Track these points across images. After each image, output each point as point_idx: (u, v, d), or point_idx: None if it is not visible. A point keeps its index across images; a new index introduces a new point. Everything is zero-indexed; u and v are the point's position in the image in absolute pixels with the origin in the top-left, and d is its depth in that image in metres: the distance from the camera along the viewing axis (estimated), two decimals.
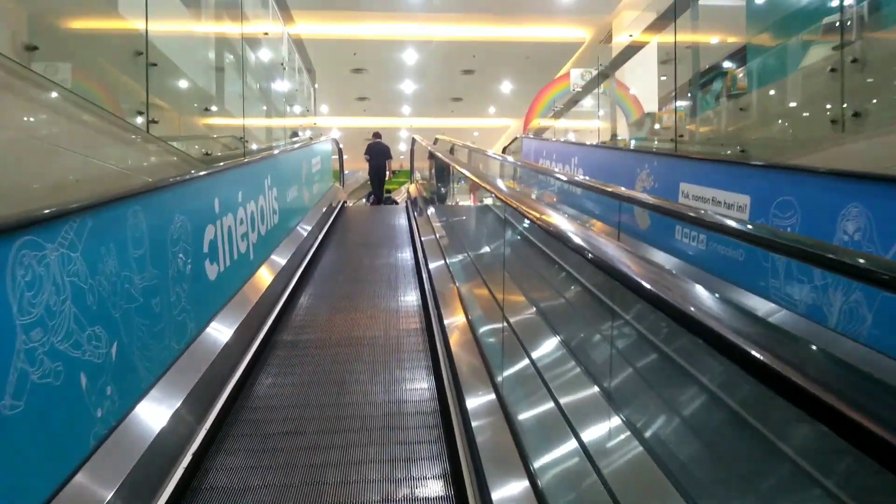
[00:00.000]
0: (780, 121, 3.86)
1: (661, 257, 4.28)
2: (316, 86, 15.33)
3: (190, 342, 3.03)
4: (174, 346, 2.83)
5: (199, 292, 3.21)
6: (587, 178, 6.66)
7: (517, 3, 12.27)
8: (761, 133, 4.10)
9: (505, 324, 3.10)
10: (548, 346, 3.28)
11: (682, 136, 5.13)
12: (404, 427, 3.07)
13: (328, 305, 5.12)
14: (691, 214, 2.32)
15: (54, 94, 2.63)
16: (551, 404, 2.52)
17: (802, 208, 3.40)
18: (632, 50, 8.27)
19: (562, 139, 10.16)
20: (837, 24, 3.27)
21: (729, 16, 6.39)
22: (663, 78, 12.04)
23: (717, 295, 1.16)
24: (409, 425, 3.09)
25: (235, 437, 2.93)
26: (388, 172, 12.62)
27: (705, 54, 5.69)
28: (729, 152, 4.38)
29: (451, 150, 10.34)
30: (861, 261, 1.62)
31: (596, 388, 2.46)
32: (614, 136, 8.44)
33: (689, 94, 5.65)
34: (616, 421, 2.22)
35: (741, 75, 5.42)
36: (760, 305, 3.36)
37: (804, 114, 3.73)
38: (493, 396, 2.83)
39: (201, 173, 3.31)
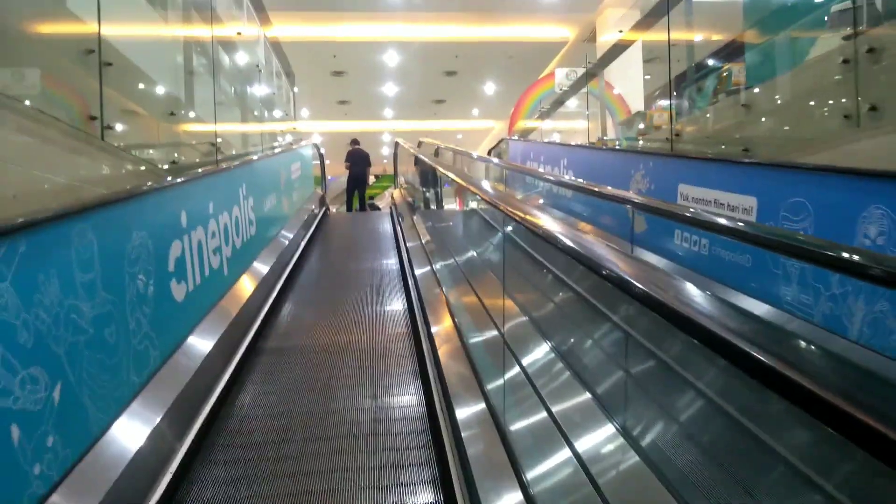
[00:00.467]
0: (786, 117, 3.64)
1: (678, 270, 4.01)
2: (296, 89, 15.00)
3: (153, 373, 2.73)
4: (133, 379, 2.53)
5: (163, 316, 2.91)
6: (578, 180, 6.43)
7: (499, 2, 12.05)
8: (766, 130, 3.88)
9: (501, 334, 2.84)
10: (540, 354, 3.07)
11: (677, 134, 4.90)
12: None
13: (310, 321, 4.82)
14: (743, 229, 2.04)
15: None
16: (544, 413, 2.47)
17: (817, 210, 3.17)
18: (619, 48, 8.06)
19: (549, 140, 9.94)
20: (850, 10, 3.05)
21: (723, 7, 6.18)
22: (647, 77, 11.89)
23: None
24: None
25: (204, 485, 2.63)
26: (368, 178, 12.44)
27: (699, 49, 5.47)
28: (730, 151, 4.15)
29: (436, 153, 10.08)
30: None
31: (589, 396, 2.41)
32: (604, 136, 8.22)
33: (684, 91, 5.43)
34: (610, 429, 2.16)
35: (737, 70, 5.20)
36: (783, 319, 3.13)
37: (813, 109, 3.51)
38: (483, 406, 2.73)
39: (164, 184, 3.01)
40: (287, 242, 6.43)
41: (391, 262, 6.95)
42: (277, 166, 7.05)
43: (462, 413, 2.73)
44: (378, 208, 17.20)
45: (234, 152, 5.62)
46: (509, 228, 2.79)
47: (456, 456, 2.50)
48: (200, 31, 4.99)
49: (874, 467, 0.65)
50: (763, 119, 3.92)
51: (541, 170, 8.24)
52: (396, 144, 13.29)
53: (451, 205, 10.40)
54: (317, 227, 8.71)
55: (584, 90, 8.96)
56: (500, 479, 2.18)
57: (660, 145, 5.28)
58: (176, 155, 3.83)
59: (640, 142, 7.10)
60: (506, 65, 15.63)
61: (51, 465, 1.86)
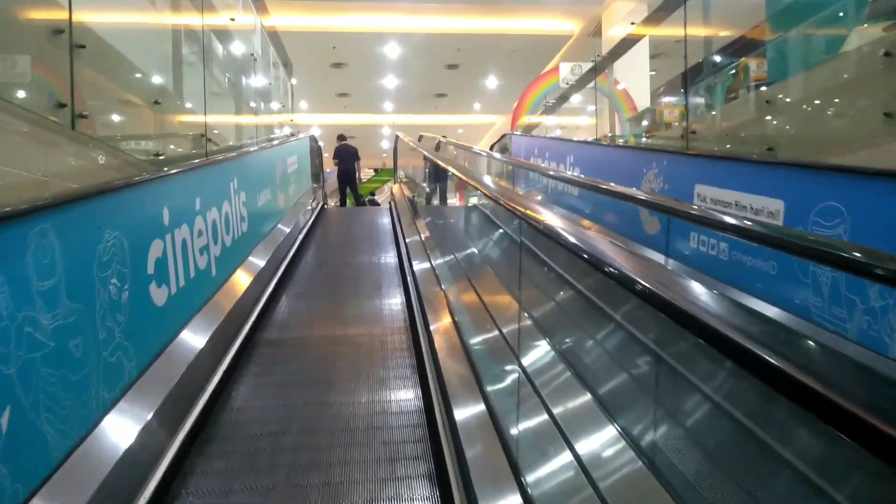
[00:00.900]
0: (817, 115, 3.39)
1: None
2: (294, 81, 14.71)
3: (128, 387, 2.48)
4: (104, 395, 2.28)
5: (141, 323, 2.66)
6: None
7: None
8: (793, 129, 3.63)
9: (519, 366, 2.60)
10: (548, 360, 2.87)
11: (693, 132, 4.64)
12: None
13: (303, 329, 4.56)
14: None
15: None
16: (545, 415, 2.42)
17: (853, 215, 2.92)
18: (628, 42, 7.79)
19: (553, 136, 9.67)
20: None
21: None
22: (652, 73, 11.62)
23: None
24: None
25: None
26: (357, 174, 12.38)
27: (714, 43, 5.21)
28: (753, 151, 3.90)
29: (437, 147, 9.82)
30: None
31: (592, 398, 2.34)
32: (612, 133, 7.96)
33: (698, 87, 5.17)
34: (613, 431, 2.11)
35: (756, 65, 4.95)
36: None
37: (849, 106, 3.25)
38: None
39: (143, 178, 2.75)
40: (281, 239, 6.18)
41: (390, 258, 6.71)
42: (272, 159, 6.78)
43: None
44: (377, 204, 16.96)
45: (226, 144, 5.35)
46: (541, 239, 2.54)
47: (455, 461, 2.44)
48: (190, 16, 4.71)
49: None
50: (790, 116, 3.67)
51: (545, 166, 7.98)
52: (397, 138, 13.03)
53: (454, 200, 10.15)
54: (313, 222, 8.46)
55: (591, 85, 8.69)
56: (500, 484, 2.15)
57: (674, 143, 5.03)
58: (161, 147, 3.57)
59: (650, 139, 6.84)
60: (509, 59, 15.35)
61: None
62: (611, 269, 1.24)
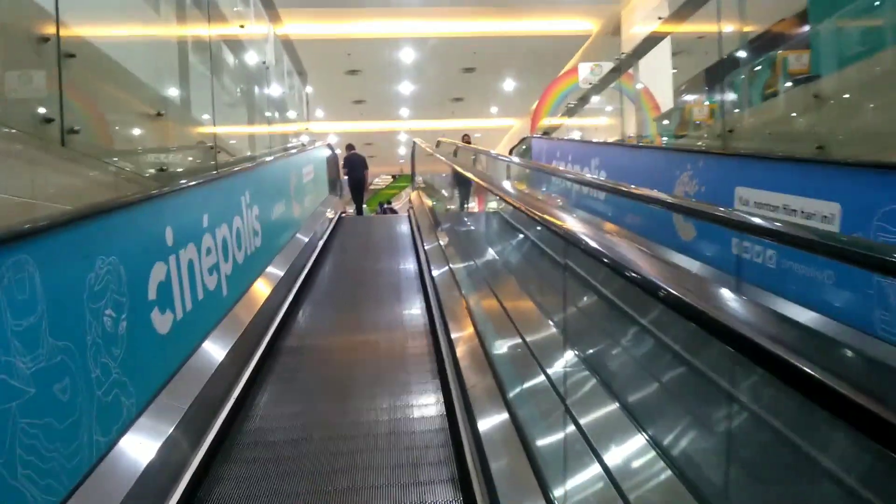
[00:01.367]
0: (876, 110, 3.09)
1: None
2: (309, 89, 14.58)
3: (126, 427, 2.26)
4: (98, 439, 2.05)
5: (142, 355, 2.44)
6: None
7: None
8: (847, 125, 3.33)
9: (568, 413, 2.35)
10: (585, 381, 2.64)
11: (731, 130, 4.34)
12: None
13: (321, 357, 4.29)
14: None
15: None
16: (572, 427, 2.36)
17: None
18: (652, 40, 7.48)
19: (576, 138, 9.38)
20: None
21: None
22: (674, 71, 11.27)
23: None
24: None
25: None
26: (365, 182, 12.64)
27: (750, 34, 4.90)
28: (800, 150, 3.60)
29: (455, 153, 9.58)
30: None
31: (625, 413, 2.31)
32: (639, 133, 7.65)
33: (730, 83, 4.87)
34: (642, 442, 2.06)
35: (794, 58, 4.64)
36: None
37: None
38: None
39: (140, 197, 2.54)
40: (298, 252, 5.97)
41: (410, 268, 6.49)
42: (287, 170, 6.59)
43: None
44: (395, 212, 16.78)
45: (238, 156, 5.16)
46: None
47: (479, 472, 2.39)
48: (197, 23, 4.53)
49: None
50: (842, 111, 3.37)
51: (577, 171, 7.70)
52: (414, 144, 12.82)
53: (473, 206, 9.89)
54: (332, 232, 8.26)
55: (614, 85, 8.39)
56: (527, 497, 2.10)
57: (709, 142, 4.73)
58: (165, 161, 3.36)
59: (681, 139, 6.53)
60: (525, 60, 15.06)
61: None
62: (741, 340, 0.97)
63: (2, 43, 2.18)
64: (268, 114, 7.41)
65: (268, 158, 6.00)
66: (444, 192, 12.64)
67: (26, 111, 2.20)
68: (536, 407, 2.86)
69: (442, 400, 3.40)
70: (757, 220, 2.20)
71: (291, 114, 9.96)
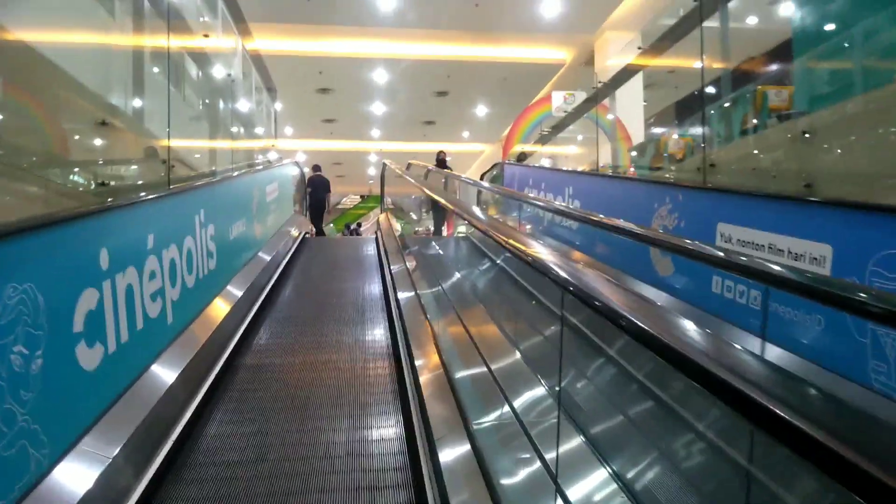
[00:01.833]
0: (872, 148, 2.96)
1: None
2: (278, 106, 14.29)
3: (34, 484, 1.93)
4: None
5: (60, 397, 2.12)
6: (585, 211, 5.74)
7: (495, 22, 11.45)
8: (839, 163, 3.20)
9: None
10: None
11: (713, 165, 4.21)
12: None
13: (273, 392, 3.92)
14: None
15: None
16: (538, 464, 2.34)
17: None
18: (627, 72, 7.42)
19: (550, 166, 9.26)
20: None
21: (765, 16, 5.56)
22: (645, 103, 11.32)
23: None
24: None
25: None
26: (327, 205, 12.90)
27: (734, 67, 4.82)
28: (787, 187, 3.46)
29: (426, 176, 9.37)
30: None
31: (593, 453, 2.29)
32: (614, 164, 7.55)
33: (713, 116, 4.76)
34: (604, 475, 2.09)
35: (774, 93, 4.56)
36: None
37: None
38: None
39: (63, 215, 2.23)
40: (257, 274, 5.64)
41: (375, 290, 6.20)
42: (250, 187, 6.28)
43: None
44: (360, 234, 16.54)
45: (195, 171, 4.84)
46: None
47: None
48: (155, 31, 4.24)
49: None
50: (834, 149, 3.24)
51: (539, 197, 7.54)
52: (384, 166, 12.60)
53: (442, 230, 9.67)
54: (294, 253, 7.93)
55: (588, 115, 8.30)
56: None
57: (689, 176, 4.59)
58: (108, 174, 3.05)
59: (658, 171, 6.42)
60: (499, 86, 15.04)
61: None
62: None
63: None
64: (232, 129, 7.10)
65: (228, 174, 5.70)
66: (412, 214, 12.44)
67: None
68: (498, 436, 2.73)
69: (402, 423, 3.15)
70: (742, 259, 2.01)
71: (258, 130, 9.66)
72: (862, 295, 1.26)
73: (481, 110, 17.67)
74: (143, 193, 3.20)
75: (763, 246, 3.38)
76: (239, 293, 4.87)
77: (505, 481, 2.37)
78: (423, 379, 3.44)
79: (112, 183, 3.08)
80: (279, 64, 12.75)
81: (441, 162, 11.87)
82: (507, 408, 2.95)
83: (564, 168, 8.84)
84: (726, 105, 4.90)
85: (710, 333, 1.04)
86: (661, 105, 11.22)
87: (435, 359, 3.74)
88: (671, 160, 5.83)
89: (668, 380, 2.00)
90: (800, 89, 3.80)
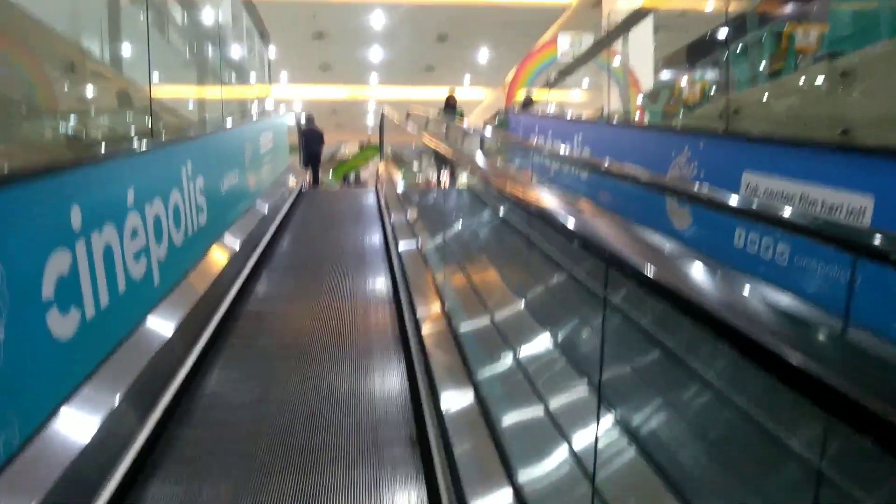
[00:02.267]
0: None
1: None
2: (272, 52, 13.78)
3: (2, 469, 1.75)
4: None
5: (26, 371, 1.92)
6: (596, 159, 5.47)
7: None
8: (881, 108, 2.92)
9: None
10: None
11: (736, 110, 3.92)
12: None
13: (269, 367, 3.67)
14: None
15: None
16: (542, 410, 2.32)
17: None
18: (639, 14, 6.99)
19: (558, 113, 8.90)
20: None
21: None
22: (655, 48, 10.84)
23: None
24: None
25: None
26: (321, 156, 12.82)
27: (757, 5, 4.46)
28: (821, 133, 3.19)
29: (426, 125, 9.03)
30: None
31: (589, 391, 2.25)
32: (627, 110, 7.21)
33: (736, 58, 4.44)
34: (610, 422, 2.03)
35: (802, 33, 4.23)
36: None
37: None
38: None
39: (27, 171, 1.99)
40: (253, 226, 5.40)
41: (375, 240, 6.01)
42: (241, 138, 5.98)
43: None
44: (361, 183, 16.26)
45: (182, 121, 4.55)
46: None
47: (443, 458, 2.29)
48: None
49: None
50: (877, 93, 2.95)
51: (543, 144, 7.23)
52: (382, 114, 12.21)
53: (444, 180, 9.37)
54: (292, 204, 7.67)
55: (597, 59, 7.90)
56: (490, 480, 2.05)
57: (710, 123, 4.30)
58: (79, 126, 2.78)
59: (676, 118, 6.10)
60: (501, 30, 14.47)
61: None
62: None
63: None
64: (222, 76, 6.75)
65: (218, 124, 5.40)
66: (413, 163, 12.10)
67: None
68: (501, 385, 2.71)
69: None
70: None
71: (250, 77, 9.27)
72: None
73: (483, 55, 17.11)
74: (120, 145, 2.94)
75: (794, 196, 3.13)
76: (236, 244, 4.67)
77: (507, 426, 2.32)
78: (424, 328, 3.37)
79: (85, 134, 2.81)
80: (272, 8, 12.22)
81: (450, 106, 11.38)
82: (511, 357, 2.87)
83: (572, 114, 8.48)
84: (749, 47, 4.56)
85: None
86: (673, 48, 10.76)
87: (437, 308, 3.66)
88: (687, 106, 5.51)
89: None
90: (836, 27, 3.48)
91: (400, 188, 7.81)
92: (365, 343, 3.79)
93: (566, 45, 10.74)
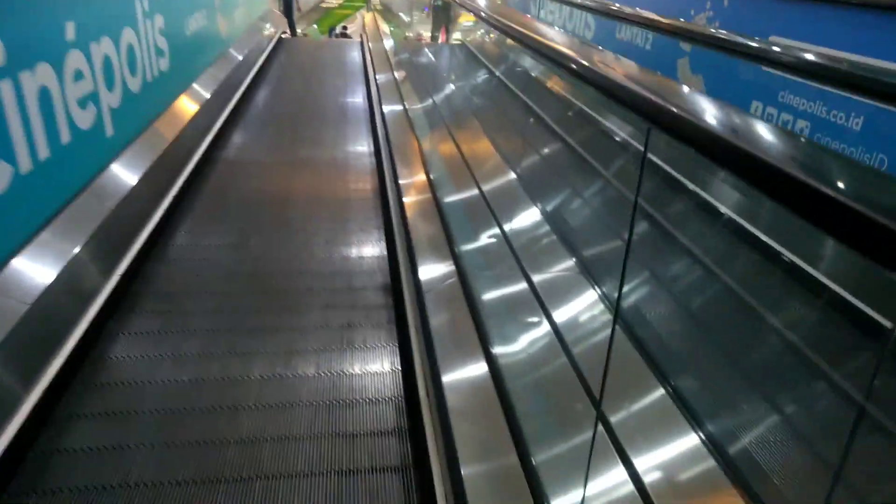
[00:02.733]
0: None
1: None
2: None
3: None
4: None
5: None
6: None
7: None
8: None
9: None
10: None
11: None
12: None
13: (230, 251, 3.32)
14: None
15: None
16: (524, 283, 2.23)
17: None
18: None
19: None
20: None
21: None
22: None
23: None
24: None
25: None
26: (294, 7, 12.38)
27: None
28: None
29: None
30: None
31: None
32: None
33: None
34: (592, 297, 2.03)
35: None
36: None
37: None
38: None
39: None
40: (216, 85, 4.82)
41: (358, 100, 5.60)
42: None
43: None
44: (348, 36, 15.28)
45: None
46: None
47: (419, 326, 2.22)
48: None
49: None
50: None
51: None
52: None
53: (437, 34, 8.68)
54: (269, 55, 7.06)
55: None
56: (464, 349, 1.97)
57: None
58: None
59: None
60: None
61: None
62: None
63: None
64: None
65: None
66: (403, 16, 11.22)
67: None
68: (484, 258, 2.60)
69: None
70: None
71: None
72: None
73: None
74: None
75: None
76: (200, 99, 4.24)
77: (487, 299, 2.24)
78: (407, 197, 3.17)
79: None
80: None
81: None
82: (496, 229, 2.71)
83: None
84: None
85: None
86: None
87: (422, 177, 3.38)
88: None
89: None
90: None
91: (388, 43, 7.18)
92: (343, 218, 3.53)
93: None
